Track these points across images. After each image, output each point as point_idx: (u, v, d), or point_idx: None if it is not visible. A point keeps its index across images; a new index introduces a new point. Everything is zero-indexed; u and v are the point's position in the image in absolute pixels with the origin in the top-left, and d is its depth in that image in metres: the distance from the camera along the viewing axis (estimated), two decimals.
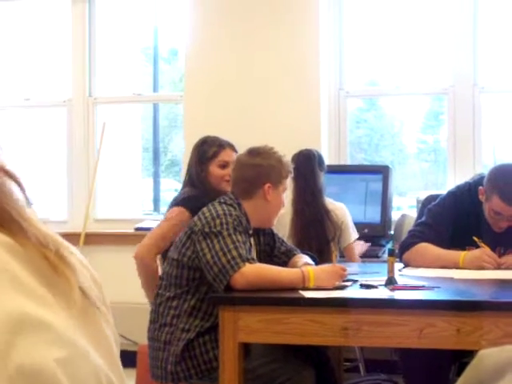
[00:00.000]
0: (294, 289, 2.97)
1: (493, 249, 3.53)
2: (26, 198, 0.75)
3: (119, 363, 0.77)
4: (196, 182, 3.89)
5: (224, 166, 3.87)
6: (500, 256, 3.55)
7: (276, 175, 3.25)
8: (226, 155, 3.90)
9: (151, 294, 3.60)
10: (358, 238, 4.33)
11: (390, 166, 5.03)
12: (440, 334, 2.72)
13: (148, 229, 4.98)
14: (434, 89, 5.54)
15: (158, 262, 3.87)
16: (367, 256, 4.48)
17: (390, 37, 5.80)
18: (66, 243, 0.76)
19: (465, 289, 3.21)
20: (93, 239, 5.50)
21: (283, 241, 3.52)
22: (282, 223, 4.04)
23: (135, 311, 5.01)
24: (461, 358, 3.45)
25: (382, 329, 2.79)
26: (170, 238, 3.64)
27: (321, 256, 3.78)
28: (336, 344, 3.49)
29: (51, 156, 6.03)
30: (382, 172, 4.88)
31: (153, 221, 5.34)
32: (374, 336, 2.81)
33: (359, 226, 4.40)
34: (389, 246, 4.55)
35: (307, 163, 4.18)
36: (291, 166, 3.37)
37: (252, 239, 3.26)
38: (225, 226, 3.05)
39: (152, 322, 3.26)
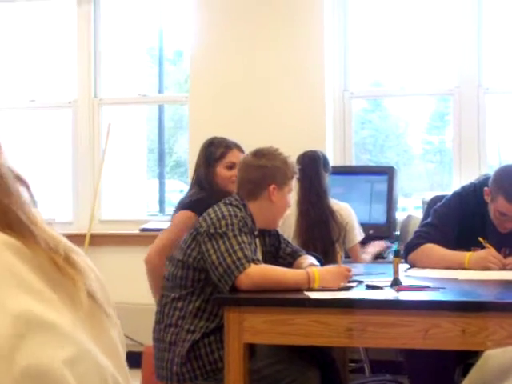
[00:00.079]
0: (299, 290, 2.96)
1: (498, 249, 3.53)
2: (33, 200, 0.75)
3: (125, 365, 0.77)
4: (204, 183, 3.88)
5: (231, 167, 3.85)
6: (505, 257, 3.54)
7: (281, 176, 3.25)
8: (233, 156, 3.88)
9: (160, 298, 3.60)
10: (364, 239, 4.32)
11: (395, 166, 5.03)
12: (445, 335, 2.72)
13: (153, 230, 4.99)
14: (439, 90, 5.54)
15: None
16: (381, 257, 4.44)
17: (395, 37, 5.80)
18: (71, 245, 0.76)
19: (470, 289, 3.20)
20: (98, 240, 5.50)
21: (288, 242, 3.51)
22: (287, 224, 4.05)
23: (140, 312, 5.01)
24: (466, 360, 3.44)
25: (387, 330, 2.78)
26: (179, 243, 3.64)
27: (326, 257, 3.78)
28: (341, 345, 3.49)
29: (56, 157, 6.04)
30: (387, 173, 4.87)
31: (158, 222, 5.35)
32: (379, 337, 2.80)
33: (364, 226, 4.39)
34: (394, 246, 4.54)
35: (312, 164, 4.18)
36: (296, 167, 3.36)
37: (257, 240, 3.25)
38: (230, 227, 3.05)
39: (157, 322, 3.26)
